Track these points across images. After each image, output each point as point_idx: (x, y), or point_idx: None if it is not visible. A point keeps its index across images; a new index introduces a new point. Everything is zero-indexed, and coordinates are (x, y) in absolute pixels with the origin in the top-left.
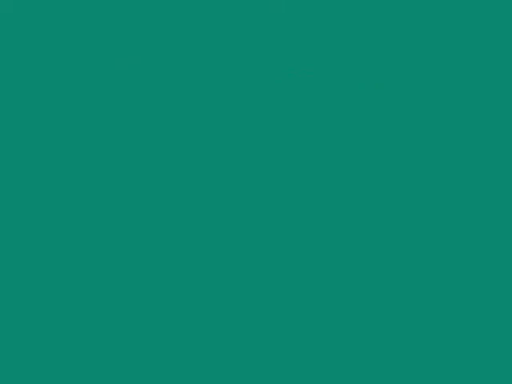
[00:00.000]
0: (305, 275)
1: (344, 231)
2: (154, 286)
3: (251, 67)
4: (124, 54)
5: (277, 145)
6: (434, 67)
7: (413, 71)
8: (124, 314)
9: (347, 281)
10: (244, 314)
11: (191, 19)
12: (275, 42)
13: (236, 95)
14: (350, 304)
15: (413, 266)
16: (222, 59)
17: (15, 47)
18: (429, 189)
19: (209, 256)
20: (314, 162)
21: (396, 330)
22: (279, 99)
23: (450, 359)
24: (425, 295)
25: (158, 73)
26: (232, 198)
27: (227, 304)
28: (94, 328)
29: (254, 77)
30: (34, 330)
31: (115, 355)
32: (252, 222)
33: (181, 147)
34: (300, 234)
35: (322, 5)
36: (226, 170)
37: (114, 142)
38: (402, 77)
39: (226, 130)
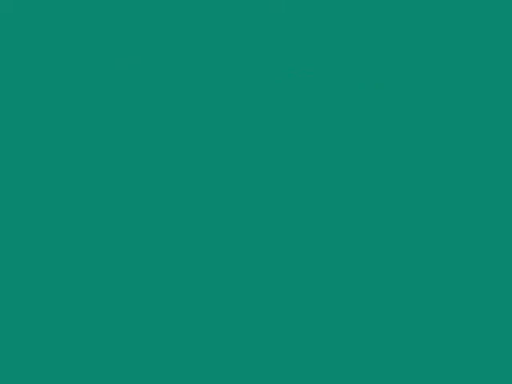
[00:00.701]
0: (305, 275)
1: (344, 231)
2: (154, 286)
3: (251, 67)
4: (124, 54)
5: (277, 145)
6: (434, 67)
7: (413, 71)
8: (124, 313)
9: (347, 281)
10: (244, 314)
11: (191, 19)
12: (275, 41)
13: (236, 95)
14: (350, 304)
15: (413, 266)
16: (222, 59)
17: (15, 47)
18: (429, 189)
19: (209, 256)
20: (314, 162)
21: (396, 330)
22: (279, 99)
23: (450, 359)
24: (425, 295)
25: (158, 73)
26: (232, 198)
27: (227, 304)
28: (94, 328)
29: (254, 77)
30: (34, 330)
31: (115, 355)
32: (252, 222)
33: (181, 147)
34: (300, 233)
35: (322, 5)
36: (226, 170)
37: (115, 141)
38: (402, 77)
39: (226, 130)
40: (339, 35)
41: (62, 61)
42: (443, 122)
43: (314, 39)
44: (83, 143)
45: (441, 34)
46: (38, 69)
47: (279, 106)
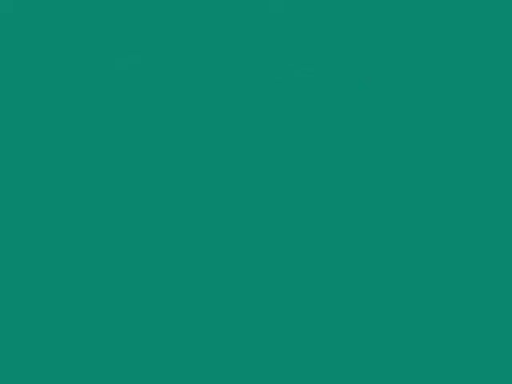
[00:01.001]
0: (305, 275)
1: (344, 231)
2: (154, 286)
3: (251, 67)
4: (124, 54)
5: (277, 145)
6: (434, 67)
7: (413, 71)
8: (124, 314)
9: (347, 281)
10: (244, 314)
11: (191, 19)
12: (275, 41)
13: (236, 95)
14: (350, 304)
15: (413, 266)
16: (222, 59)
17: (15, 47)
18: (429, 189)
19: (209, 256)
20: (314, 162)
21: (396, 330)
22: (279, 99)
23: (450, 359)
24: (425, 295)
25: (158, 73)
26: (232, 198)
27: (227, 304)
28: (94, 328)
29: (254, 77)
30: (34, 330)
31: (115, 355)
32: (252, 222)
33: (181, 147)
34: (300, 234)
35: (322, 5)
36: (226, 170)
37: (114, 141)
38: (402, 77)
39: (226, 130)
40: (339, 35)
41: (62, 61)
42: (443, 121)
43: (314, 39)
44: (83, 143)
45: (441, 34)
46: (38, 69)
47: (279, 105)
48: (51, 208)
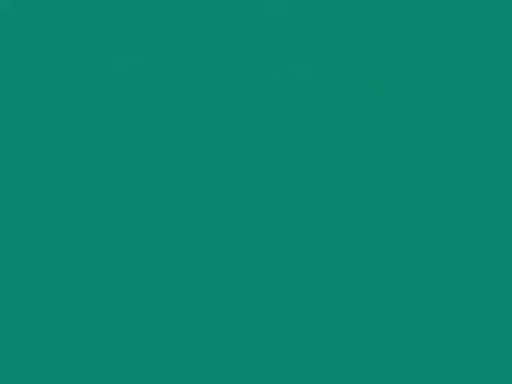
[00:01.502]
0: (305, 275)
1: (344, 231)
2: (154, 286)
3: (251, 67)
4: (124, 54)
5: (277, 145)
6: (434, 67)
7: (413, 71)
8: (124, 314)
9: (347, 281)
10: (244, 314)
11: (191, 19)
12: (275, 42)
13: (236, 95)
14: (350, 304)
15: (413, 266)
16: (222, 59)
17: (15, 47)
18: (429, 189)
19: (209, 256)
20: (314, 162)
21: (396, 330)
22: (279, 99)
23: (450, 359)
24: (425, 295)
25: (158, 73)
26: (232, 198)
27: (227, 304)
28: (94, 328)
29: (254, 77)
30: (34, 330)
31: (115, 355)
32: (252, 222)
33: (181, 147)
34: (300, 234)
35: (322, 5)
36: (226, 170)
37: (114, 141)
38: (402, 77)
39: (226, 130)
40: (339, 35)
41: (62, 61)
42: (443, 121)
43: (314, 39)
44: (83, 143)
45: (441, 33)
46: (38, 69)
47: (279, 105)
48: (51, 207)
